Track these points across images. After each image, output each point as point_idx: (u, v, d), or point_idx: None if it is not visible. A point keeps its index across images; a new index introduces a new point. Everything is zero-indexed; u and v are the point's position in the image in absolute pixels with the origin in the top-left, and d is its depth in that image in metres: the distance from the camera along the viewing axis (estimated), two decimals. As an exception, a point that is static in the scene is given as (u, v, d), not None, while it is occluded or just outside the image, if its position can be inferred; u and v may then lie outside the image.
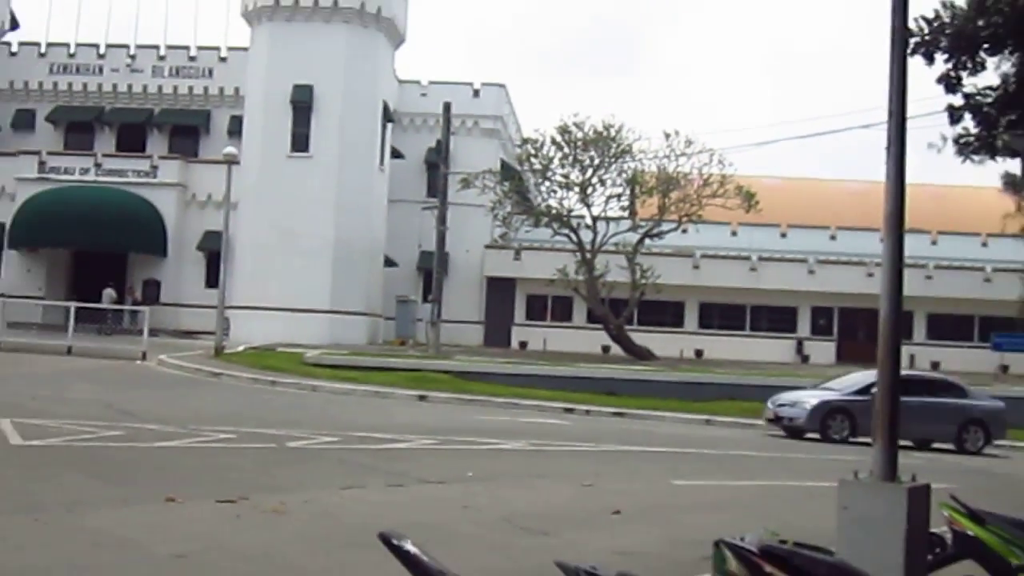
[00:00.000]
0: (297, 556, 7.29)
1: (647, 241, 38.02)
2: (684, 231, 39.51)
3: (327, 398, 20.65)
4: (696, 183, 37.54)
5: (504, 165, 44.64)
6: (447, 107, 39.21)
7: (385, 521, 4.43)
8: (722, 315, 46.60)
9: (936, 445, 20.81)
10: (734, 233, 47.09)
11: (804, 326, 46.63)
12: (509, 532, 8.45)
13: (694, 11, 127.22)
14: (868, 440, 19.63)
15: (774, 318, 46.59)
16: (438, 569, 3.04)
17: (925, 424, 20.25)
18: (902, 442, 19.87)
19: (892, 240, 5.78)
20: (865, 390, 20.29)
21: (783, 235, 48.26)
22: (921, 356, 41.54)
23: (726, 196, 36.77)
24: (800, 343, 45.81)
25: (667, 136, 37.55)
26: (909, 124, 5.93)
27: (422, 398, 21.25)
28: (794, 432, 20.74)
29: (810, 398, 21.54)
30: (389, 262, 43.78)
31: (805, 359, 44.29)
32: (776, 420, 21.10)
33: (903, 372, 23.06)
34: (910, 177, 5.88)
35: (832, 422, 20.66)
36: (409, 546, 3.06)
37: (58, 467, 10.51)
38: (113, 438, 12.64)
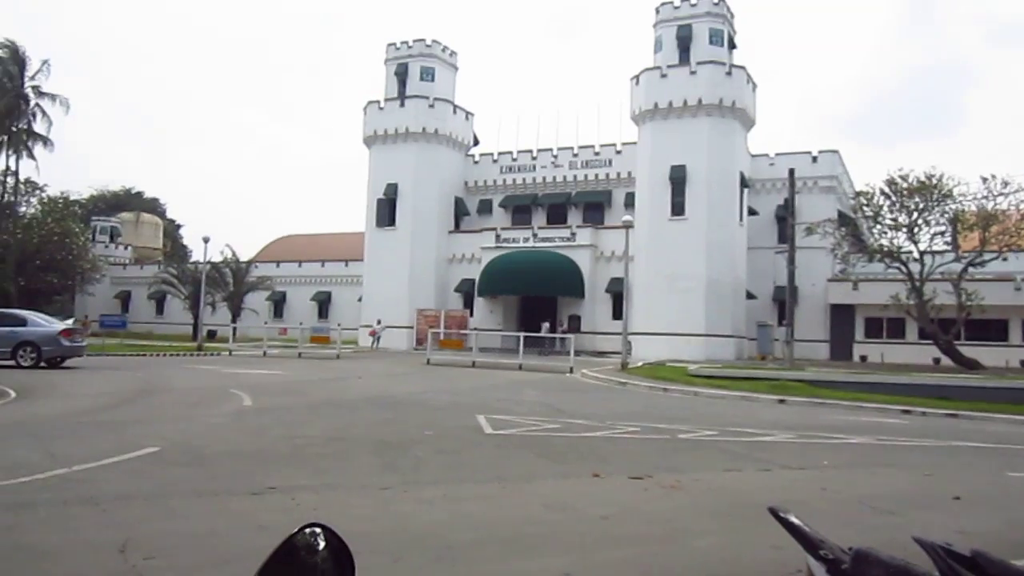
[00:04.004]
0: (691, 520, 7.22)
1: (970, 269, 34.11)
2: (1004, 259, 35.04)
3: (706, 401, 20.28)
4: (1014, 217, 33.26)
5: (840, 214, 42.07)
6: (791, 172, 37.62)
7: (758, 498, 4.31)
8: (1047, 330, 40.77)
9: None
10: (1054, 258, 41.16)
11: None
12: (860, 511, 7.83)
13: (998, 69, 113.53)
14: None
15: (1100, 330, 40.01)
16: (819, 538, 2.92)
17: None
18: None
19: None
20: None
21: (1104, 258, 41.37)
22: None
23: (1045, 226, 32.23)
24: None
25: (984, 180, 33.55)
26: None
27: (781, 401, 20.26)
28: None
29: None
30: (750, 295, 42.77)
31: None
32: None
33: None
34: None
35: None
36: (793, 518, 2.96)
37: (516, 449, 11.09)
38: (553, 429, 13.16)
